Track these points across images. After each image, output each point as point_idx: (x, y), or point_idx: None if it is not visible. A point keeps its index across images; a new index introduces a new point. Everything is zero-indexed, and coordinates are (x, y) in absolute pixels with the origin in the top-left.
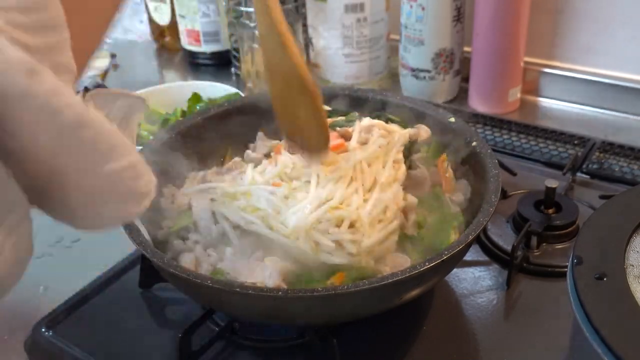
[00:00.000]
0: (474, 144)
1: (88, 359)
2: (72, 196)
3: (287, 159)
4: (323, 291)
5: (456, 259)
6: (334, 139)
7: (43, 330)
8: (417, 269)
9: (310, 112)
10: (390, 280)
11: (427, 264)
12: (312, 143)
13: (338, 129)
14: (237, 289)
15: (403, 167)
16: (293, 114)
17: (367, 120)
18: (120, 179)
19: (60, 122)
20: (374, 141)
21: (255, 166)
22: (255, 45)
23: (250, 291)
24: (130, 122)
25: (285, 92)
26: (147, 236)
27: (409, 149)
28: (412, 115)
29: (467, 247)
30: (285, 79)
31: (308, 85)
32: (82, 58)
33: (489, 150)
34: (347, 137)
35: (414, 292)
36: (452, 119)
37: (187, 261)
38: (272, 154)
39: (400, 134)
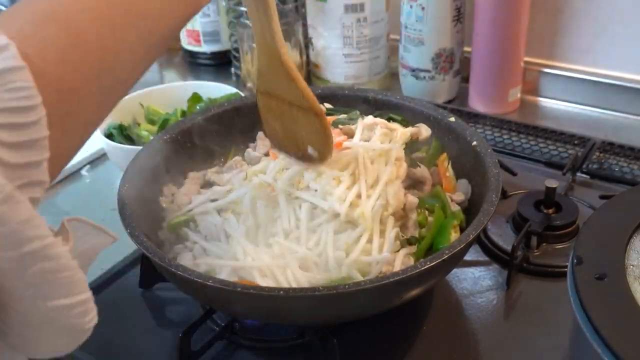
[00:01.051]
0: (474, 143)
1: (88, 359)
2: (15, 314)
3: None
4: (324, 291)
5: (456, 259)
6: (337, 136)
7: None
8: (418, 268)
9: (315, 129)
10: (390, 280)
11: (427, 263)
12: (319, 152)
13: (341, 126)
14: (238, 289)
15: (404, 165)
16: (293, 132)
17: (369, 118)
18: (66, 315)
19: (24, 251)
20: (376, 139)
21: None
22: (255, 46)
23: (251, 290)
24: (92, 255)
25: (287, 113)
26: None
27: (410, 148)
28: (412, 115)
29: (468, 246)
30: (287, 102)
31: (315, 108)
32: (60, 164)
33: (489, 150)
34: (350, 135)
35: (415, 292)
36: (453, 119)
37: (186, 261)
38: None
39: (402, 132)
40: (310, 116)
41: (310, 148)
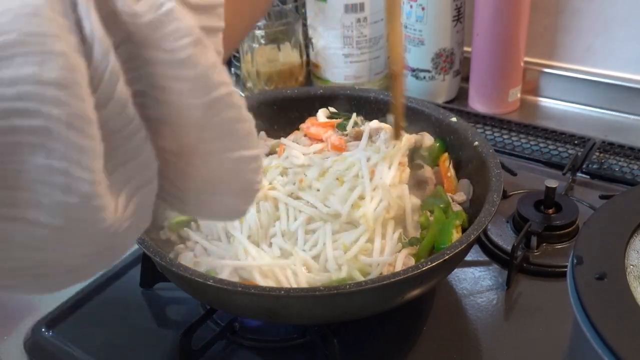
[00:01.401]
0: (475, 143)
1: (88, 359)
2: (193, 178)
3: (295, 152)
4: (325, 290)
5: (458, 259)
6: (336, 140)
7: (43, 330)
8: (419, 268)
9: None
10: (391, 280)
11: (428, 263)
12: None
13: (350, 128)
14: (239, 288)
15: (407, 170)
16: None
17: (375, 123)
18: (244, 169)
19: (212, 97)
20: (380, 143)
21: None
22: (255, 45)
23: (252, 290)
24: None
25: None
26: None
27: (413, 154)
28: (413, 115)
29: (469, 246)
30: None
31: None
32: (229, 46)
33: (490, 150)
34: (358, 138)
35: (416, 292)
36: (454, 119)
37: (187, 260)
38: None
39: (406, 137)
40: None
41: None
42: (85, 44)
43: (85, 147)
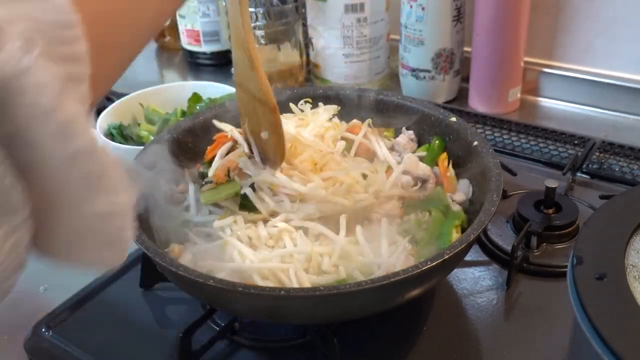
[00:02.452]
0: (475, 143)
1: (88, 359)
2: (62, 227)
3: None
4: (325, 290)
5: (458, 259)
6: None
7: (43, 330)
8: (419, 268)
9: (271, 125)
10: (391, 280)
11: (428, 263)
12: (271, 152)
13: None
14: (239, 288)
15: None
16: (257, 124)
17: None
18: (108, 223)
19: (75, 146)
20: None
21: None
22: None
23: (252, 290)
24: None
25: (251, 104)
26: None
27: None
28: (413, 115)
29: (469, 246)
30: (252, 95)
31: (269, 101)
32: (99, 90)
33: (490, 150)
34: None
35: (416, 292)
36: (454, 119)
37: (186, 261)
38: None
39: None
40: (267, 111)
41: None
42: None
43: None
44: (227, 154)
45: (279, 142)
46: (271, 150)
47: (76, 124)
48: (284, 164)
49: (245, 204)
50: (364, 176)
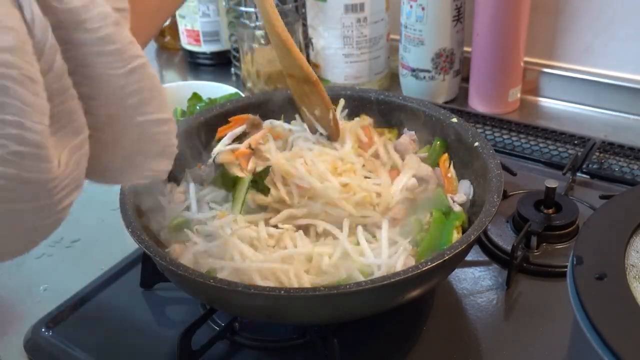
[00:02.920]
0: (476, 144)
1: (88, 359)
2: (116, 145)
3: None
4: (325, 290)
5: (458, 259)
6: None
7: (43, 330)
8: (419, 268)
9: (318, 101)
10: (392, 280)
11: (428, 263)
12: (328, 126)
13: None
14: (239, 288)
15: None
16: (311, 104)
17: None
18: (158, 131)
19: (130, 68)
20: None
21: None
22: (255, 46)
23: (252, 290)
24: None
25: (300, 87)
26: None
27: None
28: (414, 116)
29: (469, 247)
30: (296, 78)
31: (309, 76)
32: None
33: (491, 151)
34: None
35: (416, 292)
36: (455, 119)
37: (187, 261)
38: None
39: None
40: (311, 86)
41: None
42: (26, 23)
43: (35, 104)
44: (237, 137)
45: (328, 113)
46: (327, 124)
47: (132, 46)
48: (302, 161)
49: (257, 184)
50: (378, 194)
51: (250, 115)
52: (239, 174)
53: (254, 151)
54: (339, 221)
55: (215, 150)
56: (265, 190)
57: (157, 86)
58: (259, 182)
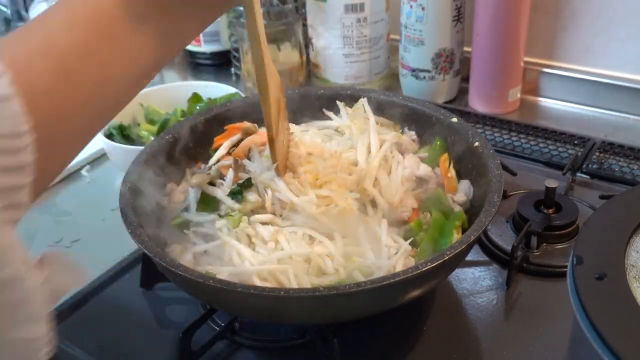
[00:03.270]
0: (476, 144)
1: (88, 359)
2: None
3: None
4: (324, 291)
5: (458, 259)
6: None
7: None
8: (419, 268)
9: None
10: (391, 281)
11: (428, 264)
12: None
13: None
14: (239, 289)
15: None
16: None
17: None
18: (30, 344)
19: (1, 276)
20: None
21: None
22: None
23: (251, 290)
24: (61, 293)
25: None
26: None
27: None
28: (415, 116)
29: (469, 247)
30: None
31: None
32: (43, 185)
33: (491, 151)
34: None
35: (416, 292)
36: (455, 119)
37: (186, 261)
38: None
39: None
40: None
41: None
42: None
43: None
44: (233, 146)
45: (281, 149)
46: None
47: (5, 255)
48: (288, 172)
49: (238, 192)
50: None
51: (246, 123)
52: (215, 193)
53: (236, 164)
54: (326, 230)
55: (212, 160)
56: (242, 199)
57: (27, 300)
58: (242, 191)
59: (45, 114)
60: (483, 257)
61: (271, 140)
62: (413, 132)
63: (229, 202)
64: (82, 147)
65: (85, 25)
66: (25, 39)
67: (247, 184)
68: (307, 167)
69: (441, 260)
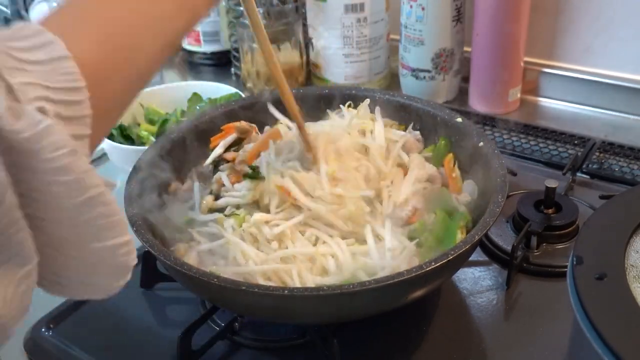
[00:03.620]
0: (480, 144)
1: (88, 359)
2: (72, 265)
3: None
4: (329, 290)
5: (462, 259)
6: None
7: (43, 330)
8: (423, 268)
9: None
10: (395, 280)
11: (432, 264)
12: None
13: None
14: (243, 287)
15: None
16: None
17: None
18: (117, 254)
19: (86, 198)
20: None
21: None
22: (255, 45)
23: (256, 289)
24: None
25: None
26: None
27: None
28: (418, 115)
29: (473, 247)
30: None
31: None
32: (93, 144)
33: (495, 151)
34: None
35: (420, 292)
36: (459, 119)
37: (191, 260)
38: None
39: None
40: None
41: None
42: None
43: None
44: (230, 145)
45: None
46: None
47: (88, 176)
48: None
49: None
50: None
51: (242, 123)
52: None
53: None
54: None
55: (209, 160)
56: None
57: (114, 212)
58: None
59: (93, 73)
60: (483, 257)
61: (301, 128)
62: (418, 132)
63: (236, 195)
64: (122, 112)
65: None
66: (72, 11)
67: (253, 175)
68: (325, 165)
69: (445, 260)
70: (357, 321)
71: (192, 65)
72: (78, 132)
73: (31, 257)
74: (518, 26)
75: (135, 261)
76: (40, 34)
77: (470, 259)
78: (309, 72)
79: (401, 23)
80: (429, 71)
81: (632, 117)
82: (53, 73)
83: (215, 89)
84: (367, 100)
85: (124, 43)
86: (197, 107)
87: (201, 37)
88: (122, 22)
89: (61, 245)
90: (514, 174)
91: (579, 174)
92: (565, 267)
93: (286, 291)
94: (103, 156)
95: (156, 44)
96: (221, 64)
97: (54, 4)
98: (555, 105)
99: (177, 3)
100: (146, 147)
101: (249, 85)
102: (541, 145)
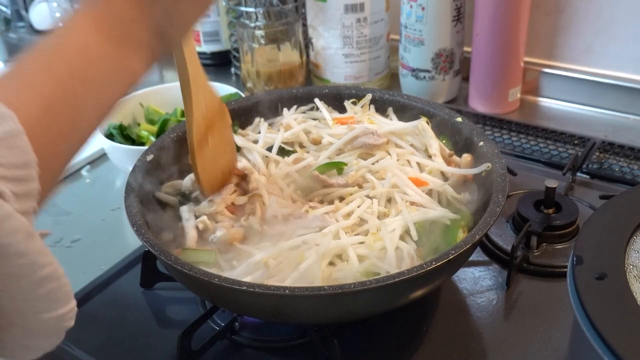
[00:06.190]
0: (481, 144)
1: (88, 359)
2: (16, 332)
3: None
4: (329, 290)
5: (463, 259)
6: None
7: None
8: (424, 268)
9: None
10: (396, 280)
11: (433, 263)
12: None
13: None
14: (244, 287)
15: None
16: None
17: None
18: (62, 320)
19: (39, 277)
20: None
21: None
22: (255, 45)
23: (256, 289)
24: None
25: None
26: None
27: None
28: (419, 115)
29: (474, 247)
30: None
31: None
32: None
33: (496, 151)
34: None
35: (420, 292)
36: (460, 119)
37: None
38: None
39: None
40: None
41: None
42: None
43: None
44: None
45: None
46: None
47: (41, 257)
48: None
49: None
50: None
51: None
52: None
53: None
54: None
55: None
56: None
57: (64, 284)
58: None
59: (37, 143)
60: (483, 257)
61: (192, 154)
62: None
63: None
64: (66, 168)
65: (61, 68)
66: (19, 77)
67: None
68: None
69: (446, 260)
70: (357, 321)
71: None
72: (28, 206)
73: None
74: (518, 26)
75: (72, 323)
76: None
77: (471, 259)
78: (309, 72)
79: (401, 23)
80: (429, 71)
81: (632, 117)
82: (5, 148)
83: (215, 89)
84: (369, 95)
85: (66, 111)
86: None
87: (201, 37)
88: (64, 87)
89: (10, 314)
90: (514, 174)
91: (579, 174)
92: (565, 267)
93: (287, 290)
94: (103, 156)
95: (95, 107)
96: (221, 64)
97: (54, 4)
98: (555, 105)
99: (114, 65)
100: (146, 147)
101: (249, 85)
102: (541, 145)
